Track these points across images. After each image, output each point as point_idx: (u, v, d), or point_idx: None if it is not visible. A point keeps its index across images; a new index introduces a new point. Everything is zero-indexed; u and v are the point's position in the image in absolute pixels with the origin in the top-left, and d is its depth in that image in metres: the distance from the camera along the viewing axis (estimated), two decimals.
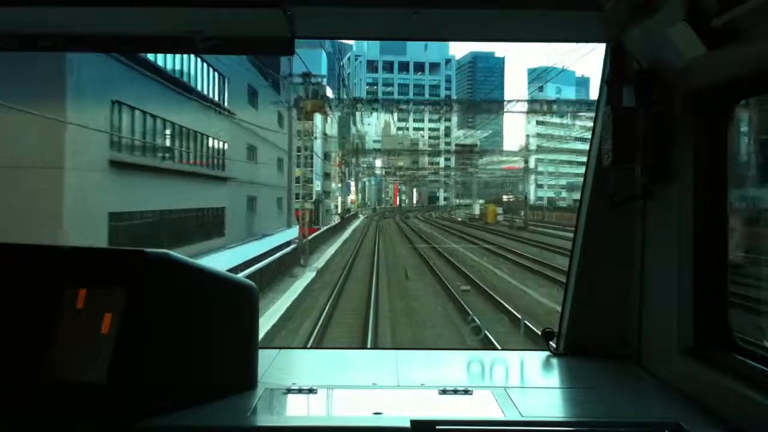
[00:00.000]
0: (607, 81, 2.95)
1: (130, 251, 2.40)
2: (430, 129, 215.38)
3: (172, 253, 2.43)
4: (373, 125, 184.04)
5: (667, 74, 2.65)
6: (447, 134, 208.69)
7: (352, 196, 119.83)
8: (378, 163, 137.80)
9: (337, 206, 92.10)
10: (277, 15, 2.56)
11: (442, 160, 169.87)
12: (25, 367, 2.29)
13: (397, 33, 3.06)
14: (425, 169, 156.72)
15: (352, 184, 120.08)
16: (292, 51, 2.89)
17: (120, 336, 2.24)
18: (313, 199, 76.56)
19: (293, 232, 50.07)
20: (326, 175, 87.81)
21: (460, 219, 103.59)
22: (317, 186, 79.27)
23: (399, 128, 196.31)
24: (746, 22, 2.08)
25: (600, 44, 3.02)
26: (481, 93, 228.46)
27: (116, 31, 2.89)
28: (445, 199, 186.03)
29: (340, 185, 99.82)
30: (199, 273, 2.49)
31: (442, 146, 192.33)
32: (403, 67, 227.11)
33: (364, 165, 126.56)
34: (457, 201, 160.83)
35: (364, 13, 2.72)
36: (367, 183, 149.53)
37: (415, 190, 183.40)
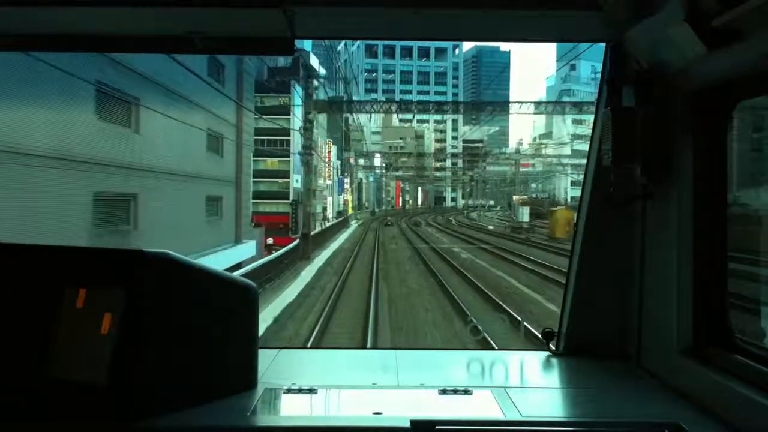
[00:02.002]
0: (607, 81, 2.96)
1: (130, 251, 2.40)
2: (436, 121, 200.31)
3: (172, 252, 2.43)
4: (372, 115, 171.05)
5: (667, 74, 2.65)
6: (454, 128, 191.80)
7: (345, 196, 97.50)
8: (377, 156, 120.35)
9: (325, 208, 72.88)
10: (277, 15, 2.57)
11: (449, 156, 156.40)
12: (25, 367, 2.29)
13: (397, 33, 3.06)
14: (430, 158, 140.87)
15: (346, 181, 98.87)
16: (292, 51, 2.90)
17: (120, 336, 2.24)
18: (290, 200, 60.38)
19: (246, 251, 34.07)
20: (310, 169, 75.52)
21: (491, 227, 71.80)
22: (295, 182, 62.10)
23: (402, 120, 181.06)
24: (746, 22, 2.08)
25: None
26: (486, 89, 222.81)
27: (116, 31, 2.89)
28: (453, 199, 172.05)
29: (329, 182, 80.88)
30: (199, 273, 2.49)
31: (449, 141, 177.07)
32: (406, 52, 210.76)
33: (358, 152, 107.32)
34: (468, 202, 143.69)
35: (364, 13, 2.72)
36: (363, 180, 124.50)
37: (419, 189, 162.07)
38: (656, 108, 2.73)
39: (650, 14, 2.53)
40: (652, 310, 2.90)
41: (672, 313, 2.69)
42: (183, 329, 2.40)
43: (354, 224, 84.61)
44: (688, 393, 2.52)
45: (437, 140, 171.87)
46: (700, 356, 2.55)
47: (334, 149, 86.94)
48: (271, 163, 62.91)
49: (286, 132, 59.53)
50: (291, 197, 62.63)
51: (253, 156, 50.06)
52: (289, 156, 63.14)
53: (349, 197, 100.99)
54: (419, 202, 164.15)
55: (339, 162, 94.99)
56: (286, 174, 64.54)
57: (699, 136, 2.60)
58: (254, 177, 51.50)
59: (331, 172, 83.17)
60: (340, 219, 78.54)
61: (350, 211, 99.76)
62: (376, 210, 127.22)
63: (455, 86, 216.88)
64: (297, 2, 2.53)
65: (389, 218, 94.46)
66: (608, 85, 2.94)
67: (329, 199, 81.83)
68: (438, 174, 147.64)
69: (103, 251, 2.52)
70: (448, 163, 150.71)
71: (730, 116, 2.56)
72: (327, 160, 78.89)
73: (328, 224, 61.52)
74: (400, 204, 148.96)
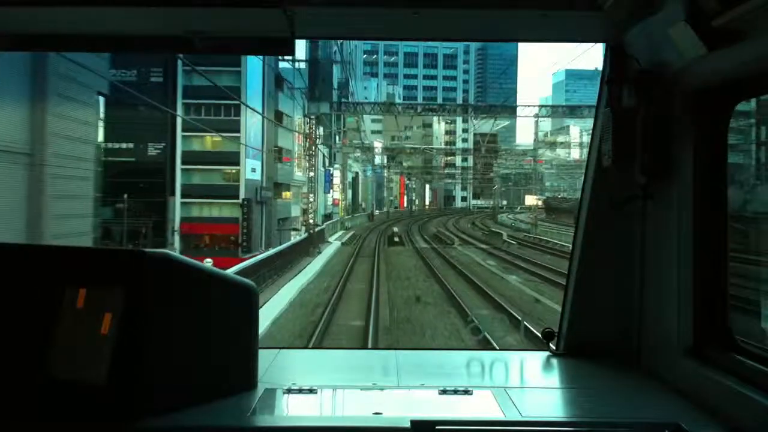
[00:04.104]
0: (607, 81, 2.95)
1: (130, 251, 2.42)
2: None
3: (172, 253, 2.45)
4: (371, 98, 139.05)
5: (667, 74, 2.65)
6: (465, 120, 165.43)
7: (334, 194, 72.99)
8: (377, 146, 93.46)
9: (306, 210, 48.15)
10: (277, 15, 2.57)
11: (459, 149, 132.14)
12: (25, 367, 2.29)
13: (397, 33, 3.08)
14: (440, 152, 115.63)
15: (336, 174, 73.56)
16: (292, 51, 2.91)
17: (120, 336, 2.24)
18: (240, 200, 41.35)
19: None
20: (281, 155, 51.40)
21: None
22: (250, 172, 43.11)
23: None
24: (746, 22, 2.08)
25: None
26: (493, 83, 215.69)
27: (116, 31, 2.90)
28: (463, 199, 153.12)
29: (311, 174, 51.95)
30: (199, 273, 2.49)
31: (459, 133, 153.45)
32: None
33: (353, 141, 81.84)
34: (497, 202, 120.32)
35: (364, 13, 2.73)
36: (360, 175, 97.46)
37: (428, 186, 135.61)
38: (656, 108, 2.73)
39: (650, 14, 2.54)
40: (652, 310, 2.90)
41: (672, 313, 2.69)
42: (183, 329, 2.40)
43: (335, 242, 47.11)
44: (688, 393, 2.52)
45: (447, 132, 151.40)
46: (700, 356, 2.54)
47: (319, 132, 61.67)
48: (211, 142, 41.14)
49: (236, 95, 38.01)
50: (242, 194, 42.02)
51: (184, 131, 35.03)
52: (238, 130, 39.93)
53: (340, 195, 75.50)
54: (427, 202, 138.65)
55: (327, 149, 69.94)
56: (235, 159, 42.20)
57: (699, 136, 2.60)
58: (185, 163, 36.49)
59: (315, 161, 55.43)
60: (302, 238, 42.12)
61: (341, 214, 72.85)
62: (376, 212, 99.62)
63: (466, 72, 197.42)
64: (297, 2, 2.53)
65: (395, 229, 59.92)
66: (608, 85, 2.94)
67: (311, 197, 56.03)
68: (448, 170, 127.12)
69: (103, 251, 2.54)
70: (462, 143, 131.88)
71: (730, 116, 2.56)
72: (308, 143, 52.59)
73: (262, 254, 32.57)
74: (405, 204, 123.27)
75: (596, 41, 3.06)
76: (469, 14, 2.72)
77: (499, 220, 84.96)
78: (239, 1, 2.54)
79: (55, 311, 2.33)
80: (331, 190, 72.07)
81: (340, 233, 56.61)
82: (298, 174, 55.83)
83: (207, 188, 40.80)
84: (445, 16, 2.73)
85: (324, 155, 67.51)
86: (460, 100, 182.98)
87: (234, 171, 42.82)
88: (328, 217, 65.22)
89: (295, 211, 54.66)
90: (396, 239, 47.66)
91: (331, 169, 72.12)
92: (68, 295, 2.34)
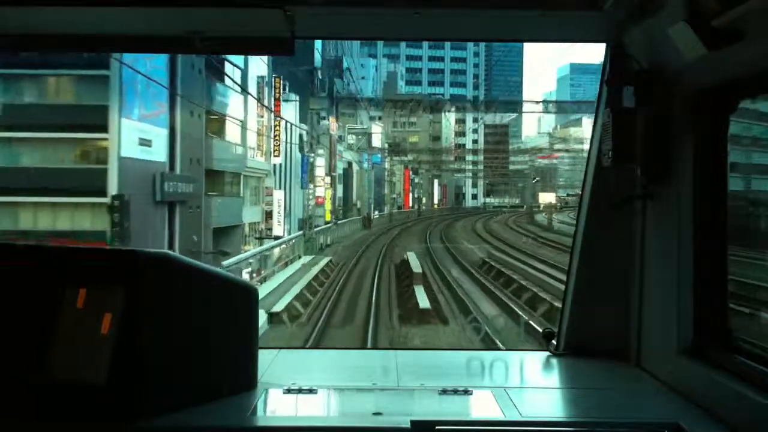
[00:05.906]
0: (607, 81, 2.95)
1: (130, 251, 2.41)
2: (452, 96, 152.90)
3: (172, 253, 2.44)
4: (370, 78, 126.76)
5: (667, 74, 2.65)
6: (475, 107, 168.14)
7: (318, 192, 48.82)
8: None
9: (269, 213, 39.14)
10: (277, 15, 2.58)
11: (469, 141, 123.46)
12: (25, 367, 2.30)
13: (397, 33, 3.08)
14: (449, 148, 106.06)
15: (319, 161, 50.45)
16: (292, 51, 2.91)
17: (120, 336, 2.24)
18: (109, 198, 24.37)
19: None
20: (223, 127, 34.99)
21: None
22: (136, 145, 26.33)
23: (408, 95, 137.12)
24: (746, 22, 2.08)
25: None
26: (497, 77, 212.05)
27: (117, 31, 2.90)
28: (474, 197, 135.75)
29: (278, 160, 41.57)
30: (199, 273, 2.50)
31: (469, 123, 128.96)
32: None
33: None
34: (491, 200, 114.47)
35: (364, 13, 2.73)
36: (354, 166, 75.88)
37: (436, 182, 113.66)
38: (656, 108, 2.73)
39: (650, 14, 2.54)
40: (652, 310, 2.90)
41: (672, 313, 2.69)
42: (183, 329, 2.40)
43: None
44: (688, 393, 2.52)
45: (457, 121, 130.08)
46: (700, 356, 2.55)
47: (293, 105, 46.62)
48: (58, 88, 24.13)
49: None
50: (113, 186, 24.80)
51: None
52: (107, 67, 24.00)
53: (327, 193, 53.27)
54: (436, 201, 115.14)
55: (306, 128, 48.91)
56: (102, 120, 23.89)
57: (699, 136, 2.60)
58: (5, 128, 22.12)
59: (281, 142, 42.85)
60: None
61: (327, 218, 51.95)
62: (375, 214, 75.36)
63: (476, 54, 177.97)
64: (297, 2, 2.54)
65: (408, 254, 32.49)
66: (608, 85, 2.93)
67: (278, 194, 43.11)
68: (458, 164, 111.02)
69: (103, 251, 2.54)
70: (473, 134, 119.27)
71: (730, 116, 2.56)
72: (274, 112, 39.30)
73: None
74: (410, 203, 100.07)
75: (596, 41, 3.06)
76: (470, 14, 2.73)
77: (555, 227, 58.28)
78: (239, 1, 2.55)
79: (55, 311, 2.33)
80: (311, 185, 48.37)
81: (298, 265, 30.91)
82: (258, 159, 39.05)
83: (48, 176, 23.47)
84: (445, 16, 2.74)
85: (302, 135, 49.06)
86: (470, 88, 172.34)
87: (100, 142, 23.99)
88: (306, 223, 43.44)
89: (252, 216, 37.74)
90: (419, 300, 21.38)
91: (313, 154, 49.80)
92: (68, 295, 2.34)
